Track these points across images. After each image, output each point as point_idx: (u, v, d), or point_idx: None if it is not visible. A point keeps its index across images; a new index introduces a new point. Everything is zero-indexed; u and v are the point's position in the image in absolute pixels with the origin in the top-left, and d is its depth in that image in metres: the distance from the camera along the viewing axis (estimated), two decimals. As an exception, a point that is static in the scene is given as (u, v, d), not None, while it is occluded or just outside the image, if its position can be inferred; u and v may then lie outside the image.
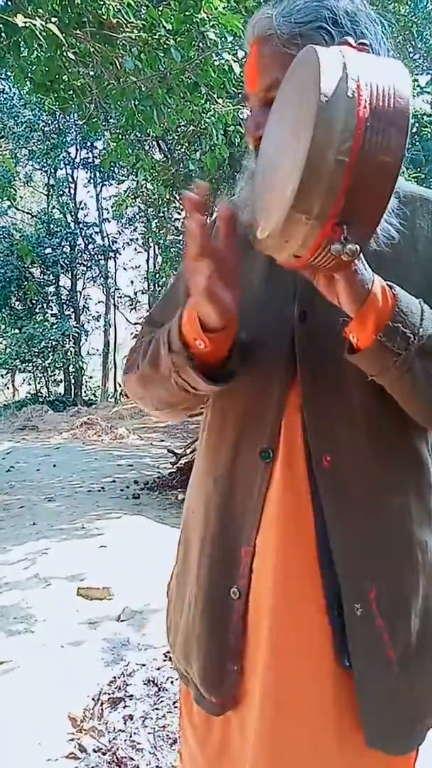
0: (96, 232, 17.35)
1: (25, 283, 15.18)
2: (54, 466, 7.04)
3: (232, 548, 0.74)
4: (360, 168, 0.49)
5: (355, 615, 0.69)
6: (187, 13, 3.37)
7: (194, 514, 0.82)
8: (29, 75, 3.87)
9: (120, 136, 5.28)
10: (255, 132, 0.71)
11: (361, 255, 0.58)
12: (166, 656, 2.20)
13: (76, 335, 16.21)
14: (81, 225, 16.90)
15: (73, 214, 17.04)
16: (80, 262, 17.27)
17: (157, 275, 15.42)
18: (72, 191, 17.43)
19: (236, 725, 0.77)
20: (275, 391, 0.72)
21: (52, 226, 16.21)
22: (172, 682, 2.02)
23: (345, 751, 0.71)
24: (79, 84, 3.85)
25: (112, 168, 13.40)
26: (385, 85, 0.51)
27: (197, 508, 0.81)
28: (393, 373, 0.63)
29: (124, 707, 1.90)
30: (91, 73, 3.89)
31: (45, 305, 16.63)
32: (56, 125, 14.75)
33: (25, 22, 2.99)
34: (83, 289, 17.73)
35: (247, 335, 0.72)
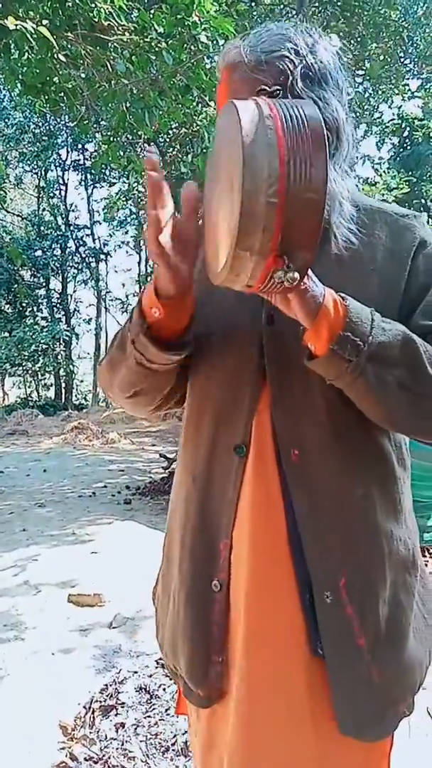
0: (87, 235, 17.33)
1: (15, 286, 15.11)
2: (44, 471, 6.99)
3: (212, 542, 0.78)
4: (289, 206, 0.56)
5: (325, 603, 0.72)
6: (178, 16, 3.37)
7: (175, 512, 0.85)
8: (20, 77, 3.86)
9: (111, 139, 5.26)
10: None
11: (311, 274, 0.65)
12: (158, 663, 2.18)
13: (67, 339, 16.15)
14: (72, 227, 16.86)
15: (63, 216, 17.00)
16: (71, 264, 17.23)
17: (149, 278, 15.39)
18: (63, 193, 17.40)
19: (221, 717, 0.78)
20: (247, 391, 0.76)
21: (42, 228, 16.16)
22: (164, 689, 2.00)
23: (319, 739, 0.73)
24: (70, 86, 3.84)
25: (103, 170, 13.40)
26: (301, 127, 0.57)
27: (178, 505, 0.84)
28: (346, 378, 0.68)
29: (116, 715, 1.88)
30: (83, 75, 3.89)
31: (35, 308, 16.56)
32: (47, 127, 14.72)
33: (16, 25, 2.98)
34: (74, 292, 17.71)
35: (220, 336, 0.78)
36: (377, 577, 0.75)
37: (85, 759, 1.67)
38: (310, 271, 0.64)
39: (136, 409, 0.90)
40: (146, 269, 16.92)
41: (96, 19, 3.42)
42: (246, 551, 0.74)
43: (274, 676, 0.73)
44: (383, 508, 0.76)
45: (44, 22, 3.15)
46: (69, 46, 3.64)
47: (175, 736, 1.74)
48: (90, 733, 1.79)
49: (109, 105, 4.03)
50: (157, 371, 0.77)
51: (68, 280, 17.39)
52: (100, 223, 17.27)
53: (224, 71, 0.77)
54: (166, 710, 1.87)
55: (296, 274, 0.60)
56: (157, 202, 0.65)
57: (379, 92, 9.69)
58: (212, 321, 0.78)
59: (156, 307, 0.70)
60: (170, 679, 2.06)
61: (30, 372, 15.84)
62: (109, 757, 1.66)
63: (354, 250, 0.75)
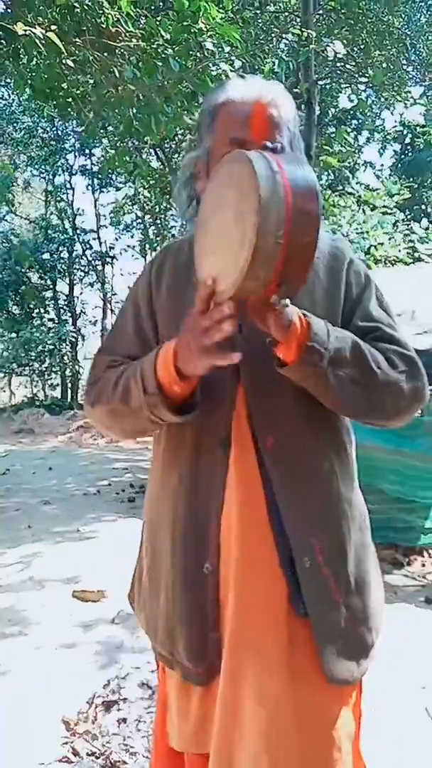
0: (93, 238, 17.36)
1: (23, 287, 15.18)
2: (50, 469, 7.03)
3: (202, 528, 0.87)
4: (290, 245, 0.70)
5: (305, 567, 0.84)
6: (185, 23, 3.41)
7: (161, 507, 0.94)
8: (29, 82, 3.91)
9: (118, 144, 5.31)
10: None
11: None
12: (159, 659, 2.20)
13: (73, 340, 16.18)
14: (79, 231, 16.90)
15: (70, 220, 17.06)
16: (78, 267, 17.27)
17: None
18: (70, 197, 17.46)
19: (214, 692, 0.85)
20: (226, 391, 0.88)
21: (49, 231, 16.22)
22: (165, 685, 2.02)
23: (307, 690, 0.82)
24: (78, 92, 3.88)
25: (109, 175, 13.47)
26: (301, 182, 0.72)
27: (164, 501, 0.93)
28: (312, 380, 0.83)
29: (118, 710, 1.90)
30: (90, 81, 3.93)
31: (42, 310, 16.61)
32: (55, 132, 14.80)
33: (25, 30, 3.03)
34: (80, 294, 17.73)
35: None
36: (344, 539, 0.88)
37: (88, 754, 1.69)
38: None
39: (130, 439, 1.07)
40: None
41: (104, 26, 3.47)
42: (235, 532, 0.84)
43: (261, 643, 0.82)
44: (343, 479, 0.90)
45: (53, 27, 3.19)
46: (77, 51, 3.68)
47: (175, 730, 1.76)
48: (92, 728, 1.81)
49: (116, 110, 4.07)
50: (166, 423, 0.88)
51: (75, 282, 17.44)
52: (107, 227, 17.32)
53: (262, 105, 0.89)
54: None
55: (287, 300, 0.74)
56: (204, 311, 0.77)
57: (382, 99, 9.70)
58: None
59: (177, 386, 0.83)
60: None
61: (37, 372, 15.88)
62: (111, 752, 1.68)
63: None
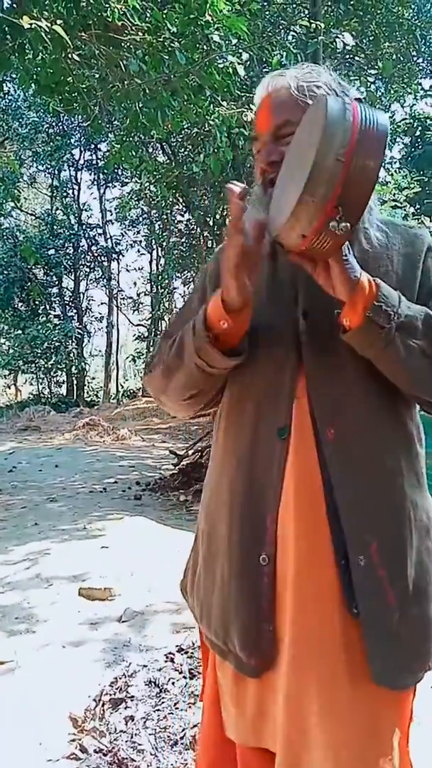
0: (99, 234, 17.38)
1: (28, 284, 15.21)
2: (56, 466, 7.05)
3: (259, 518, 0.85)
4: (353, 166, 0.70)
5: (359, 565, 0.81)
6: (191, 16, 3.38)
7: (218, 493, 0.92)
8: (34, 77, 3.89)
9: (124, 138, 5.28)
10: (267, 160, 0.90)
11: (353, 252, 0.79)
12: (167, 657, 2.20)
13: (79, 336, 16.24)
14: (84, 227, 16.92)
15: (76, 215, 17.07)
16: (83, 263, 17.30)
17: (160, 277, 15.43)
18: (75, 193, 17.47)
19: (270, 685, 0.85)
20: (286, 379, 0.86)
21: (55, 227, 16.24)
22: (173, 683, 2.02)
23: (356, 689, 0.80)
24: (83, 86, 3.86)
25: (115, 170, 13.44)
26: (372, 118, 0.73)
27: (222, 487, 0.91)
28: (379, 345, 0.79)
29: (126, 708, 1.90)
30: (96, 75, 3.91)
31: (48, 306, 16.65)
32: (60, 127, 14.79)
33: (31, 24, 3.00)
34: (86, 290, 17.77)
35: (260, 331, 0.88)
36: (404, 542, 0.84)
37: (95, 751, 1.69)
38: (349, 252, 0.78)
39: (189, 409, 1.00)
40: (157, 268, 16.95)
41: (110, 19, 3.44)
42: (292, 524, 0.83)
43: (319, 640, 0.81)
44: (408, 480, 0.86)
45: (58, 21, 3.17)
46: (83, 45, 3.66)
47: (183, 729, 1.75)
48: (100, 725, 1.81)
49: (122, 105, 4.05)
50: (215, 374, 0.88)
51: (80, 278, 17.48)
52: (113, 223, 17.33)
53: (266, 97, 0.91)
54: (175, 704, 1.89)
55: (348, 225, 0.72)
56: (240, 228, 0.77)
57: (391, 91, 9.61)
58: (253, 317, 0.87)
59: (224, 319, 0.82)
60: (179, 673, 2.08)
61: (42, 369, 15.95)
62: (118, 750, 1.68)
63: (376, 252, 0.88)
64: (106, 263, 17.54)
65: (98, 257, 17.32)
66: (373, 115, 0.73)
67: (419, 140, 11.23)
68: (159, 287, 15.95)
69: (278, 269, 0.91)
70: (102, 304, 18.44)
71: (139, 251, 18.06)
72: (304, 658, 0.81)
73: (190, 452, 6.15)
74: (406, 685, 0.85)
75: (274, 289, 0.91)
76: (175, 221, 11.91)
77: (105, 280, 17.61)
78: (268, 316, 0.89)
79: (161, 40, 3.48)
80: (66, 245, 16.23)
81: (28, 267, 14.79)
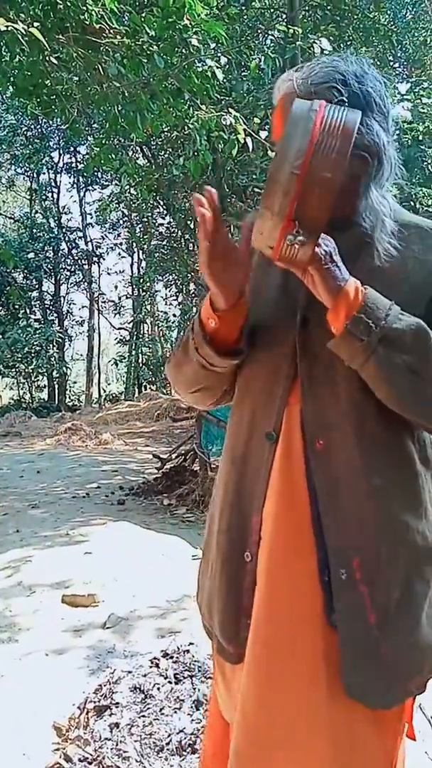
0: (79, 237, 17.28)
1: (8, 288, 15.06)
2: (38, 472, 6.97)
3: (246, 517, 0.88)
4: (308, 179, 0.69)
5: (340, 579, 0.80)
6: (170, 20, 3.39)
7: (218, 491, 0.96)
8: (11, 79, 3.85)
9: (103, 141, 5.26)
10: None
11: (339, 259, 0.77)
12: (152, 663, 2.18)
13: (60, 340, 16.10)
14: (64, 230, 16.81)
15: (56, 218, 16.95)
16: (64, 266, 17.18)
17: (141, 280, 15.39)
18: (55, 196, 17.35)
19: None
20: (281, 384, 0.87)
21: (35, 230, 16.10)
22: (158, 689, 2.00)
23: (331, 700, 0.80)
24: (62, 89, 3.84)
25: (95, 173, 13.38)
26: (337, 124, 0.70)
27: (220, 485, 0.95)
28: (359, 358, 0.77)
29: (110, 715, 1.88)
30: (75, 78, 3.89)
31: (28, 310, 16.50)
32: (39, 130, 14.68)
33: (7, 26, 2.98)
34: (67, 293, 17.65)
35: (262, 335, 0.90)
36: (390, 562, 0.81)
37: (80, 760, 1.67)
38: (337, 258, 0.77)
39: (199, 402, 1.03)
40: (138, 271, 16.90)
41: (87, 22, 3.42)
42: (272, 527, 0.84)
43: (291, 640, 0.81)
44: (401, 500, 0.83)
45: (35, 24, 3.15)
46: (61, 48, 3.64)
47: (169, 735, 1.74)
48: (84, 733, 1.79)
49: (101, 108, 4.03)
50: (217, 372, 0.90)
51: (61, 282, 17.34)
52: (93, 226, 17.24)
53: (279, 101, 0.90)
54: (161, 710, 1.88)
55: (304, 238, 0.71)
56: (207, 234, 0.79)
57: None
58: (257, 320, 0.89)
59: (212, 318, 0.85)
60: (164, 678, 2.07)
61: (23, 374, 15.78)
62: (103, 758, 1.66)
63: (388, 262, 0.85)
64: (86, 266, 17.44)
65: (79, 260, 17.22)
66: (340, 118, 0.71)
67: (396, 144, 11.40)
68: (140, 290, 15.92)
69: (290, 275, 0.88)
70: (83, 307, 18.34)
71: (119, 254, 17.97)
72: (277, 655, 0.82)
73: (174, 456, 6.14)
74: (383, 705, 0.81)
75: (283, 295, 0.92)
76: (156, 224, 11.89)
77: (86, 284, 17.50)
78: (272, 321, 0.90)
79: (140, 43, 3.48)
80: (46, 248, 16.11)
81: (7, 270, 14.65)
